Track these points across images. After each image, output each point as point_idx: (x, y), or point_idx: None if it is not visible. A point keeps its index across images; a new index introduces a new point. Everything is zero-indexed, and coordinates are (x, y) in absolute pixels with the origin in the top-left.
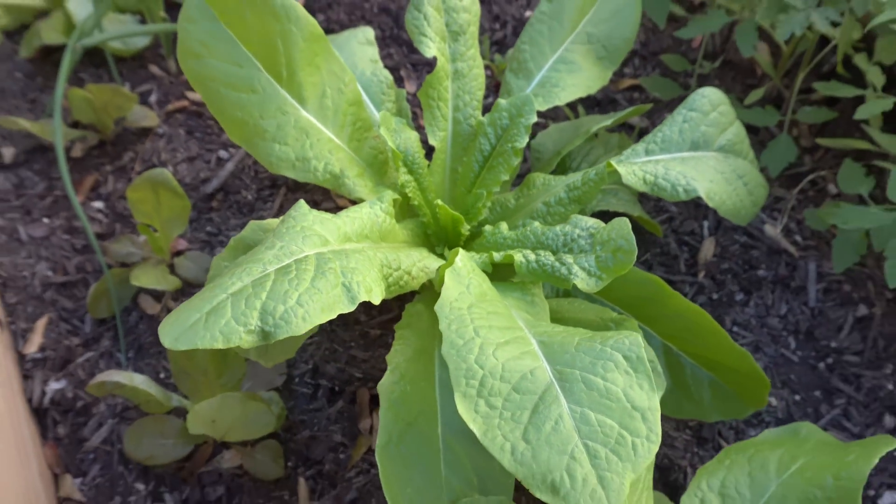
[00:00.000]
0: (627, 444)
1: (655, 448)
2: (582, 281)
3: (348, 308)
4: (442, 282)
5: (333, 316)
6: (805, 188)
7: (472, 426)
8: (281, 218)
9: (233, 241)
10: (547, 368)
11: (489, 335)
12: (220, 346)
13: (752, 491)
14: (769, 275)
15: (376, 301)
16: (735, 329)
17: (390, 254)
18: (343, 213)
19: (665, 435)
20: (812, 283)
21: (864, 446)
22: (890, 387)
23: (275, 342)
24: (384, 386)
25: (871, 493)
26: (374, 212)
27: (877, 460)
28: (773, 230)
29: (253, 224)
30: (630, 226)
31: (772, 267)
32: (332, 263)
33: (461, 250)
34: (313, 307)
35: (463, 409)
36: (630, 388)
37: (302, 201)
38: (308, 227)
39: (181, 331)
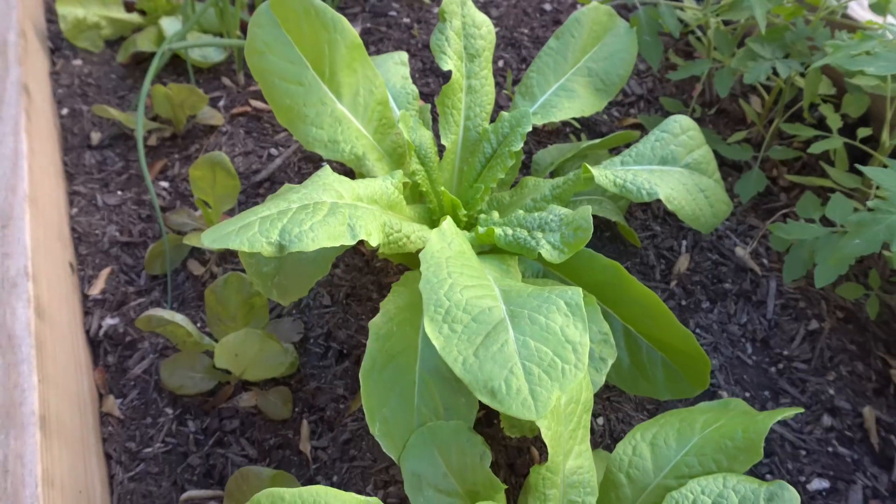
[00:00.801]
0: (558, 368)
1: (581, 374)
2: (546, 252)
3: (350, 241)
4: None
5: (337, 244)
6: (778, 220)
7: (434, 342)
8: (309, 178)
9: (270, 198)
10: (503, 307)
11: (459, 279)
12: (245, 249)
13: (678, 443)
14: (734, 288)
15: (374, 243)
16: (698, 331)
17: (394, 219)
18: (358, 180)
19: (624, 413)
20: (772, 298)
21: (772, 412)
22: (831, 391)
23: (290, 283)
24: (374, 323)
25: (802, 478)
26: (385, 184)
27: (779, 418)
28: (742, 252)
29: (287, 186)
30: (591, 211)
31: (737, 282)
32: (343, 210)
33: (449, 218)
34: (321, 233)
35: (430, 329)
36: (566, 327)
37: (327, 166)
38: (328, 183)
39: (219, 235)
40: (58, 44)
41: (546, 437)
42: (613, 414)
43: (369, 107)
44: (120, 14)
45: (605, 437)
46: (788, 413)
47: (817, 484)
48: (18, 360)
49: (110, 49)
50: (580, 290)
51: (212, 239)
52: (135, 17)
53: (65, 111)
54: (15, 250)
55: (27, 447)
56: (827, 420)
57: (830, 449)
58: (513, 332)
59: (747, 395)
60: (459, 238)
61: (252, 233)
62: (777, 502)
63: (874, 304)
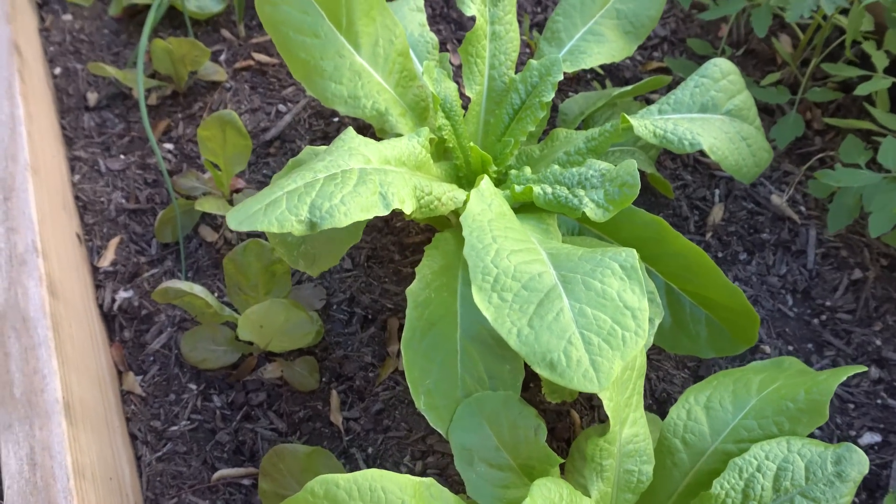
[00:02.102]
0: (618, 336)
1: (642, 342)
2: (591, 210)
3: (383, 211)
4: (467, 204)
5: (370, 216)
6: (814, 165)
7: (485, 313)
8: (333, 141)
9: (291, 162)
10: (553, 273)
11: (505, 243)
12: (275, 230)
13: (734, 405)
14: (772, 238)
15: (408, 210)
16: (736, 283)
17: (423, 181)
18: (384, 141)
19: (665, 372)
20: (812, 247)
21: (836, 371)
22: (878, 342)
23: (320, 252)
24: (412, 290)
25: (853, 433)
26: (411, 143)
27: (844, 378)
28: (779, 200)
29: (308, 148)
30: (636, 165)
31: (775, 232)
32: (372, 176)
33: (486, 177)
34: (353, 206)
35: (479, 299)
36: (623, 291)
37: (350, 128)
38: (354, 147)
39: (245, 216)
40: None
41: (608, 408)
42: (653, 373)
43: (390, 58)
44: None
45: (646, 397)
46: (852, 371)
47: (868, 438)
48: (35, 343)
49: (101, 2)
50: (634, 251)
51: (238, 220)
52: None
53: (58, 70)
54: (21, 224)
55: (54, 437)
56: (875, 372)
57: (879, 401)
58: (567, 300)
59: (790, 348)
60: (499, 199)
61: (280, 211)
62: (845, 465)
63: None
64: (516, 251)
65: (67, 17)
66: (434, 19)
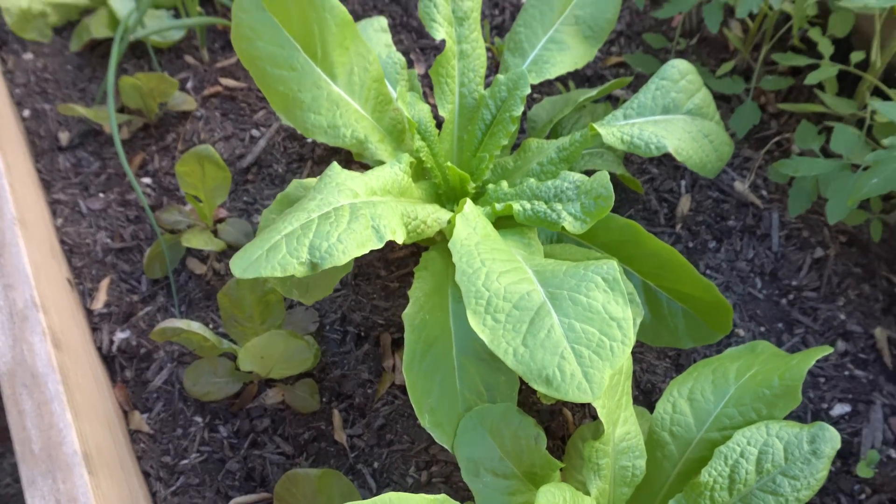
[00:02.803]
0: (606, 347)
1: (628, 349)
2: (569, 223)
3: (378, 244)
4: (453, 230)
5: (367, 251)
6: (771, 149)
7: (481, 336)
8: (319, 177)
9: (279, 197)
10: (540, 290)
11: (493, 265)
12: (278, 274)
13: (715, 395)
14: (738, 224)
15: (400, 241)
16: (708, 272)
17: (409, 206)
18: (368, 172)
19: (648, 364)
20: (775, 230)
21: (805, 354)
22: (842, 317)
23: (314, 283)
24: (408, 314)
25: (825, 405)
26: (394, 171)
27: (813, 362)
28: (741, 186)
29: (296, 182)
30: (609, 177)
31: (740, 218)
32: (363, 210)
33: (469, 200)
34: (350, 243)
35: (474, 322)
36: (608, 303)
37: (335, 163)
38: (341, 182)
39: (248, 263)
40: (3, 38)
41: (601, 414)
42: (637, 365)
43: (365, 85)
44: None
45: (633, 389)
46: (820, 353)
47: (839, 409)
48: (48, 398)
49: (59, 37)
50: (615, 263)
51: (241, 268)
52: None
53: (27, 113)
54: (17, 280)
55: (78, 489)
56: (841, 345)
57: (847, 373)
58: (556, 316)
59: (762, 329)
60: (483, 221)
61: (281, 255)
62: (819, 443)
63: (878, 228)
64: (505, 272)
65: (28, 55)
66: (394, 29)
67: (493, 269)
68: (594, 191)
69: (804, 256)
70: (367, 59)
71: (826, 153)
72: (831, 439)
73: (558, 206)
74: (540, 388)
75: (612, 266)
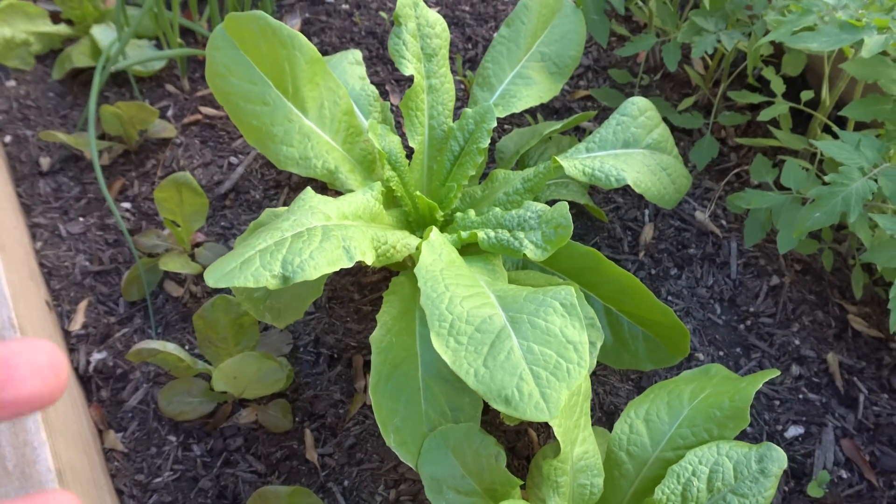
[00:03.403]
0: (563, 369)
1: (585, 372)
2: (531, 251)
3: (348, 263)
4: (420, 255)
5: (337, 269)
6: (731, 180)
7: (444, 357)
8: (293, 201)
9: (252, 225)
10: (502, 314)
11: (457, 290)
12: (251, 285)
13: (670, 416)
14: (698, 252)
15: (369, 262)
16: (669, 298)
17: (379, 231)
18: (341, 197)
19: (611, 386)
20: (734, 258)
21: (754, 377)
22: (797, 342)
23: (285, 307)
24: (375, 338)
25: (780, 427)
26: (366, 198)
27: (761, 384)
28: (702, 216)
29: (268, 210)
30: (568, 207)
31: (701, 246)
32: (334, 232)
33: (435, 228)
34: (321, 260)
35: (437, 344)
36: (565, 327)
37: (309, 188)
38: (315, 206)
39: (221, 274)
40: None
41: (558, 434)
42: (601, 387)
43: (335, 118)
44: (47, 27)
45: (595, 410)
46: (768, 376)
47: (793, 430)
48: (23, 417)
49: (42, 65)
50: (572, 289)
51: (215, 279)
52: (63, 29)
53: (8, 138)
54: None
55: None
56: (795, 369)
57: (801, 396)
58: (516, 339)
59: (721, 353)
60: (448, 248)
61: (255, 268)
62: (767, 462)
63: (829, 257)
64: (468, 297)
65: (11, 83)
66: (371, 61)
67: (457, 294)
68: (554, 220)
69: (761, 284)
70: (336, 93)
71: (779, 186)
72: (778, 459)
73: (521, 235)
74: (499, 408)
75: (569, 292)
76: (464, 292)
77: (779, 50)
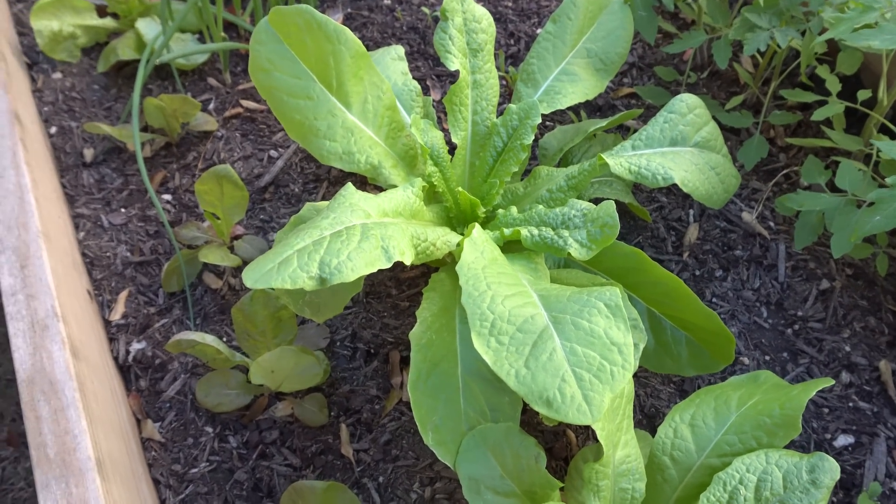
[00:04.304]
0: (607, 371)
1: (629, 375)
2: (575, 250)
3: (386, 264)
4: (461, 252)
5: (375, 269)
6: (780, 181)
7: (485, 357)
8: (333, 197)
9: (293, 219)
10: (544, 314)
11: (499, 289)
12: (288, 286)
13: (716, 422)
14: (745, 254)
15: (408, 262)
16: (714, 300)
17: (419, 228)
18: (381, 194)
19: (652, 388)
20: (782, 261)
21: (806, 385)
22: (847, 348)
23: (324, 302)
24: (415, 334)
25: (828, 436)
26: (406, 194)
27: (814, 393)
28: (749, 217)
29: (309, 205)
30: (615, 206)
31: (747, 248)
32: (373, 231)
33: (477, 225)
34: (359, 261)
35: (478, 344)
36: (609, 329)
37: (350, 184)
38: (355, 203)
39: (259, 275)
40: (33, 58)
41: (601, 437)
42: (641, 389)
43: (378, 113)
44: (94, 21)
45: (636, 413)
46: (821, 385)
47: (843, 440)
48: (64, 405)
49: (87, 57)
50: (618, 290)
51: (253, 279)
52: (109, 22)
53: (53, 130)
54: (39, 290)
55: (90, 494)
56: (845, 376)
57: (851, 404)
58: (559, 340)
59: (767, 358)
60: (490, 245)
61: (292, 269)
62: (819, 473)
63: (883, 262)
64: (510, 296)
65: (57, 75)
66: (412, 56)
67: (499, 293)
68: (600, 219)
69: (810, 288)
70: (380, 88)
71: (832, 188)
72: (831, 470)
73: (565, 233)
74: (540, 410)
75: (614, 292)
76: (506, 291)
77: (832, 48)
